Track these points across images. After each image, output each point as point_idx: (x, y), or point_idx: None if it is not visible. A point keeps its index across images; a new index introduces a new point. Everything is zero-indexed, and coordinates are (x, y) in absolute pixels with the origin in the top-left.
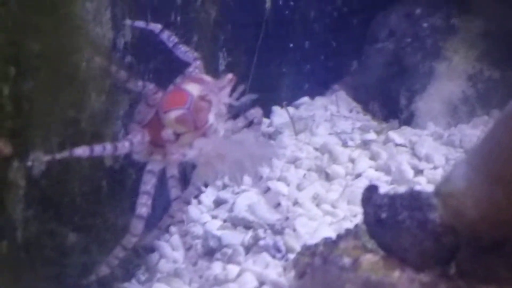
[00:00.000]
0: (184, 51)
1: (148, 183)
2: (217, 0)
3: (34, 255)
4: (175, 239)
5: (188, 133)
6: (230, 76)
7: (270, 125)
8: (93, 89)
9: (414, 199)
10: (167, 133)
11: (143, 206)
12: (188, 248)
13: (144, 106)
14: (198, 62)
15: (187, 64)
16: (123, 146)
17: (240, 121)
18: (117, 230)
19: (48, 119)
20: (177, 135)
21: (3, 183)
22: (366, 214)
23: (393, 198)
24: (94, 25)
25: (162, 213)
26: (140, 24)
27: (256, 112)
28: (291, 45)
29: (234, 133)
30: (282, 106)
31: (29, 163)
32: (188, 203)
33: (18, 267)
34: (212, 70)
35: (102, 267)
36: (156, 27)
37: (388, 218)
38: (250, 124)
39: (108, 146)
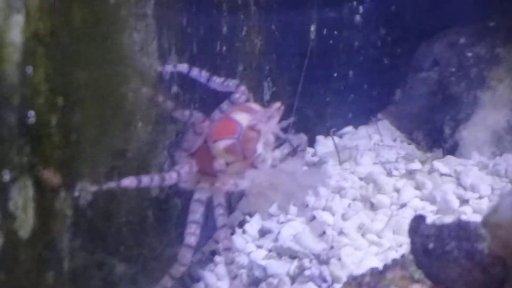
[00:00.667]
0: (221, 82)
1: (196, 212)
2: (262, 30)
3: (81, 286)
4: (220, 268)
5: (236, 163)
6: (278, 104)
7: (314, 154)
8: (140, 119)
9: (461, 229)
10: (218, 163)
11: (192, 236)
12: (233, 277)
13: (192, 134)
14: (242, 88)
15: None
16: (171, 177)
17: (285, 148)
18: (163, 260)
19: (96, 149)
20: (226, 164)
21: (50, 212)
22: (413, 244)
23: (440, 228)
24: (141, 56)
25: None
26: (169, 68)
27: (300, 139)
28: (335, 74)
29: (281, 161)
30: (329, 135)
31: (76, 193)
32: (232, 231)
33: None
34: (258, 99)
35: None
36: (183, 67)
37: (435, 248)
38: (294, 151)
39: (156, 177)
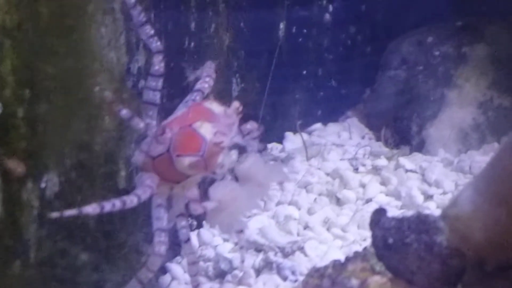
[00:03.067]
0: (149, 34)
1: (161, 219)
2: (231, 27)
3: (47, 274)
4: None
5: (198, 174)
6: (236, 104)
7: (282, 150)
8: (107, 113)
9: (421, 222)
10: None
11: (162, 245)
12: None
13: (154, 141)
14: (160, 58)
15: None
16: (131, 201)
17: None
18: (127, 249)
19: (62, 141)
20: (187, 176)
21: (17, 203)
22: (374, 236)
23: (400, 221)
24: (108, 50)
25: None
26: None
27: (251, 127)
28: (304, 72)
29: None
30: (296, 131)
31: (43, 184)
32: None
33: (30, 287)
34: (226, 94)
35: None
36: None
37: (395, 241)
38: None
39: (117, 202)
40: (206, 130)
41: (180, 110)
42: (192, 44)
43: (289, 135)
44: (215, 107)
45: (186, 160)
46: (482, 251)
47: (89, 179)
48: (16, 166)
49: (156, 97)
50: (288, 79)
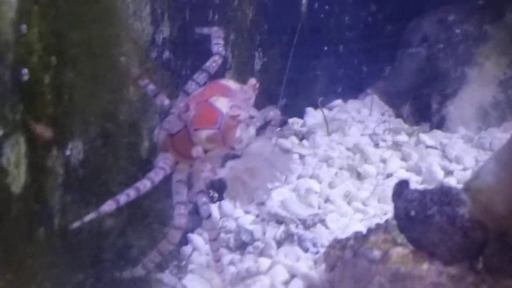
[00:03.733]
0: (217, 42)
1: (181, 193)
2: (254, 1)
3: (71, 242)
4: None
5: (216, 149)
6: (253, 81)
7: (303, 125)
8: (132, 82)
9: (444, 194)
10: (195, 151)
11: (181, 217)
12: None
13: (175, 118)
14: (218, 57)
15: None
16: (145, 186)
17: (258, 121)
18: (151, 215)
19: (88, 109)
20: (205, 151)
21: (42, 169)
22: (396, 208)
23: (423, 194)
24: (134, 20)
25: None
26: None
27: (274, 114)
28: (326, 48)
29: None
30: (318, 107)
31: (68, 152)
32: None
33: (55, 254)
34: (248, 69)
35: (138, 268)
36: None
37: (418, 213)
38: (266, 124)
39: (131, 192)
40: (222, 104)
41: (190, 88)
42: (216, 17)
43: (310, 110)
44: (231, 84)
45: (204, 134)
46: (504, 224)
47: (113, 148)
48: (44, 131)
49: (195, 89)
50: (310, 55)
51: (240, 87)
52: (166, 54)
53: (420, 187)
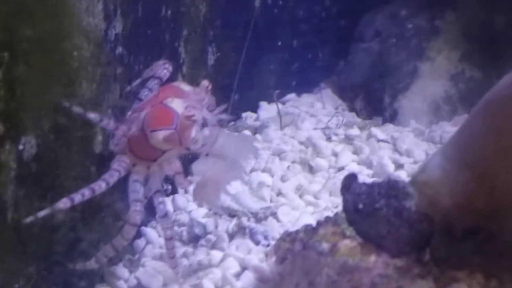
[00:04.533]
0: (151, 69)
1: (137, 191)
2: None
3: (24, 234)
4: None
5: (173, 149)
6: (206, 83)
7: (256, 119)
8: (84, 77)
9: (391, 187)
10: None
11: (137, 214)
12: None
13: (128, 122)
14: (167, 63)
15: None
16: (100, 187)
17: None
18: (103, 209)
19: (40, 104)
20: (162, 152)
21: None
22: (345, 201)
23: (371, 187)
24: (86, 15)
25: None
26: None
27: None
28: (279, 43)
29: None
30: (272, 101)
31: (21, 146)
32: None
33: (7, 247)
34: (202, 63)
35: (91, 262)
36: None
37: (366, 206)
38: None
39: (86, 192)
40: (177, 104)
41: (143, 95)
42: (169, 12)
43: (263, 104)
44: (184, 86)
45: (161, 134)
46: (450, 216)
47: (66, 143)
48: None
49: (148, 96)
50: (263, 50)
51: (192, 89)
52: (119, 49)
53: (371, 180)
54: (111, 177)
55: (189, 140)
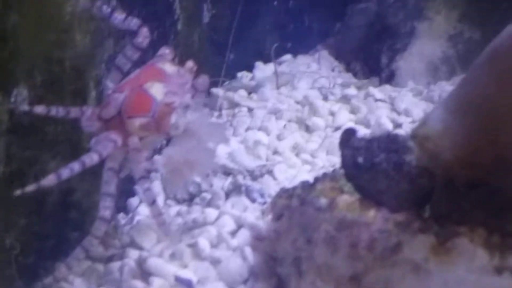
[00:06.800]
0: (122, 19)
1: (110, 183)
2: None
3: (15, 187)
4: (155, 185)
5: (151, 136)
6: (190, 64)
7: (252, 79)
8: (78, 29)
9: (391, 141)
10: (132, 141)
11: (107, 209)
12: (151, 203)
13: (106, 103)
14: (145, 30)
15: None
16: (92, 159)
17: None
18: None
19: (33, 54)
20: (140, 138)
21: None
22: (343, 156)
23: (370, 141)
24: None
25: None
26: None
27: (203, 81)
28: (275, 2)
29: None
30: (267, 61)
31: (12, 99)
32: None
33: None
34: (197, 21)
35: (61, 268)
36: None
37: (365, 161)
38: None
39: (76, 165)
40: (156, 90)
41: (120, 62)
42: None
43: (259, 64)
44: (168, 67)
45: (137, 122)
46: (452, 170)
47: (59, 96)
48: None
49: (126, 66)
50: (259, 9)
51: (176, 69)
52: (113, 3)
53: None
54: (105, 148)
55: (168, 126)
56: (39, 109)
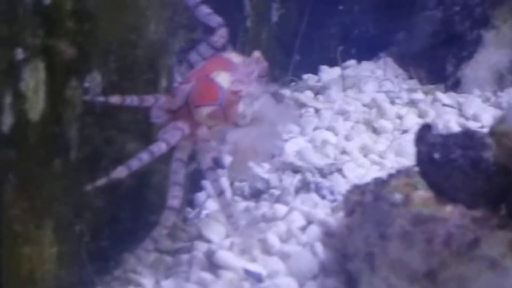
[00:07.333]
0: (206, 14)
1: (178, 173)
2: None
3: (87, 176)
4: (222, 181)
5: (219, 125)
6: (257, 54)
7: (318, 81)
8: (152, 17)
9: (468, 138)
10: (201, 131)
11: (175, 198)
12: (219, 194)
13: (172, 95)
14: (223, 30)
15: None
16: (160, 148)
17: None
18: None
19: (108, 39)
20: (208, 128)
21: (60, 98)
22: (419, 152)
23: (447, 137)
24: None
25: None
26: None
27: (263, 66)
28: (341, 7)
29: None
30: (332, 65)
31: (87, 84)
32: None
33: (71, 185)
34: (266, 19)
35: (130, 259)
36: None
37: (441, 157)
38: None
39: (144, 155)
40: (223, 79)
41: (193, 59)
42: None
43: (324, 68)
44: (234, 57)
45: (204, 110)
46: None
47: (131, 84)
48: (67, 48)
49: (197, 63)
50: (325, 12)
51: (242, 59)
52: None
53: None
54: (173, 137)
55: (235, 116)
56: (114, 99)
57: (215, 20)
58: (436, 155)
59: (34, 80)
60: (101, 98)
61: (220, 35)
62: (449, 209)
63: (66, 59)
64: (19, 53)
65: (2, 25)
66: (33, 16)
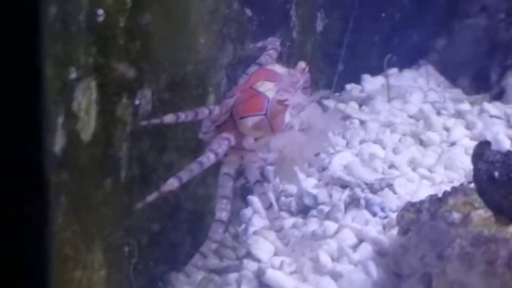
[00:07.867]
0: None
1: (226, 187)
2: None
3: (137, 195)
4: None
5: (265, 136)
6: (302, 65)
7: (362, 91)
8: (202, 33)
9: None
10: (247, 142)
11: (223, 211)
12: (267, 207)
13: (217, 109)
14: (272, 51)
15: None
16: (209, 159)
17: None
18: None
19: (159, 57)
20: (254, 139)
21: (111, 118)
22: (477, 170)
23: (507, 155)
24: None
25: None
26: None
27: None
28: (383, 15)
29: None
30: (374, 73)
31: (137, 102)
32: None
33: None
34: (311, 29)
35: (179, 278)
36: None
37: (500, 175)
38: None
39: (194, 166)
40: (267, 88)
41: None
42: None
43: (366, 77)
44: (278, 68)
45: (250, 121)
46: None
47: (181, 101)
48: (126, 69)
49: (268, 62)
50: (367, 21)
51: (286, 70)
52: (235, 5)
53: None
54: (220, 146)
55: (282, 126)
56: (169, 119)
57: (271, 41)
58: (496, 173)
59: (86, 100)
60: (156, 120)
61: (268, 54)
62: (510, 230)
63: (127, 80)
64: (73, 72)
65: (56, 44)
66: (86, 34)
